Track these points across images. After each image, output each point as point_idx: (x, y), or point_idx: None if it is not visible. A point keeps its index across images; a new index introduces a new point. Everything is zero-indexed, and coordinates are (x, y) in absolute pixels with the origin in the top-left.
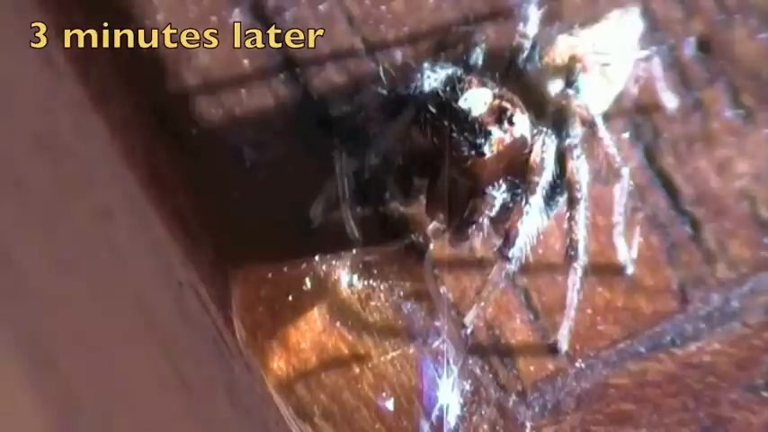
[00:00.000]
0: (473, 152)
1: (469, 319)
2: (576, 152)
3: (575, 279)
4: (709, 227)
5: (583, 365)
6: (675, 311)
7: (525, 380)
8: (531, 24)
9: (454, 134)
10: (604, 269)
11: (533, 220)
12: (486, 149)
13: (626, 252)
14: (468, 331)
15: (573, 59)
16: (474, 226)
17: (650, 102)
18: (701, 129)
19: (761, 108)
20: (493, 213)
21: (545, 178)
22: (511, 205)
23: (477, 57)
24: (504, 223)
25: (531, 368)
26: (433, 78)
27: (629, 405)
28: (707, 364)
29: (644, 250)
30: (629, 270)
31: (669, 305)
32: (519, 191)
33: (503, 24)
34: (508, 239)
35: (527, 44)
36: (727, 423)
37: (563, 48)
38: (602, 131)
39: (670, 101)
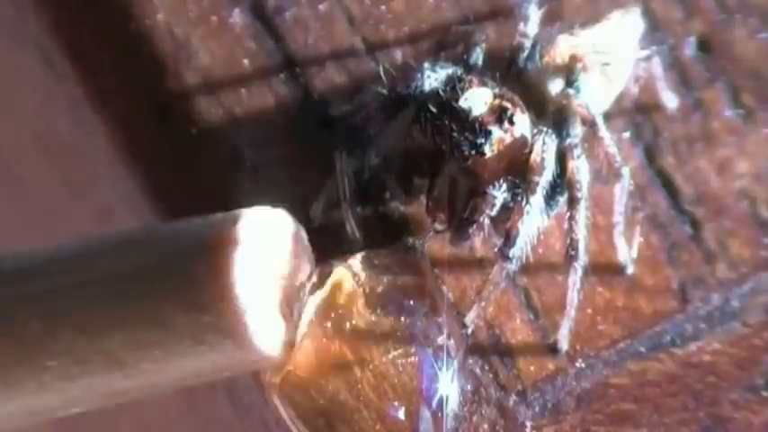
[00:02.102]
0: (474, 152)
1: (470, 318)
2: (577, 152)
3: (575, 279)
4: (710, 227)
5: (583, 365)
6: (675, 311)
7: (525, 380)
8: (532, 24)
9: (455, 134)
10: (604, 269)
11: (534, 220)
12: (486, 149)
13: (626, 252)
14: (469, 331)
15: (573, 59)
16: (475, 225)
17: (650, 102)
18: (701, 129)
19: (761, 108)
20: (494, 213)
21: (545, 178)
22: (511, 205)
23: (478, 56)
24: (505, 223)
25: (531, 368)
26: (433, 78)
27: (629, 405)
28: (707, 363)
29: (644, 250)
30: (629, 270)
31: (669, 305)
32: (519, 190)
33: (503, 24)
34: (509, 239)
35: (527, 44)
36: (727, 423)
37: (564, 47)
38: (603, 131)
39: (670, 101)
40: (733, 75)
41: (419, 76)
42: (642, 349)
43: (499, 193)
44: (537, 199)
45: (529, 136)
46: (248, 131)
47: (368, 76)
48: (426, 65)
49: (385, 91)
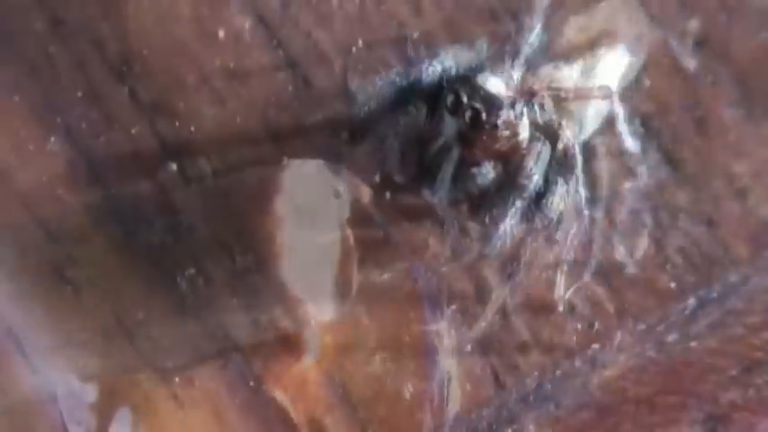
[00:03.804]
0: (490, 117)
1: (474, 335)
2: (602, 151)
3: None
4: (709, 227)
5: (583, 365)
6: (675, 310)
7: (525, 380)
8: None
9: (475, 102)
10: (605, 269)
11: (515, 223)
12: (502, 116)
13: (627, 251)
14: (468, 348)
15: (530, 93)
16: (444, 181)
17: (650, 102)
18: (701, 128)
19: (760, 108)
20: (475, 188)
21: (533, 184)
22: (495, 200)
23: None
24: (485, 215)
25: (532, 368)
26: (454, 65)
27: (628, 404)
28: (706, 363)
29: (644, 250)
30: (630, 269)
31: (668, 304)
32: (503, 185)
33: (503, 25)
34: (512, 267)
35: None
36: (727, 423)
37: (543, 77)
38: (621, 126)
39: (630, 143)
40: (732, 74)
41: (428, 67)
42: (642, 348)
43: (486, 172)
44: (522, 203)
45: (527, 135)
46: (248, 130)
47: (371, 73)
48: (437, 57)
49: (397, 81)
